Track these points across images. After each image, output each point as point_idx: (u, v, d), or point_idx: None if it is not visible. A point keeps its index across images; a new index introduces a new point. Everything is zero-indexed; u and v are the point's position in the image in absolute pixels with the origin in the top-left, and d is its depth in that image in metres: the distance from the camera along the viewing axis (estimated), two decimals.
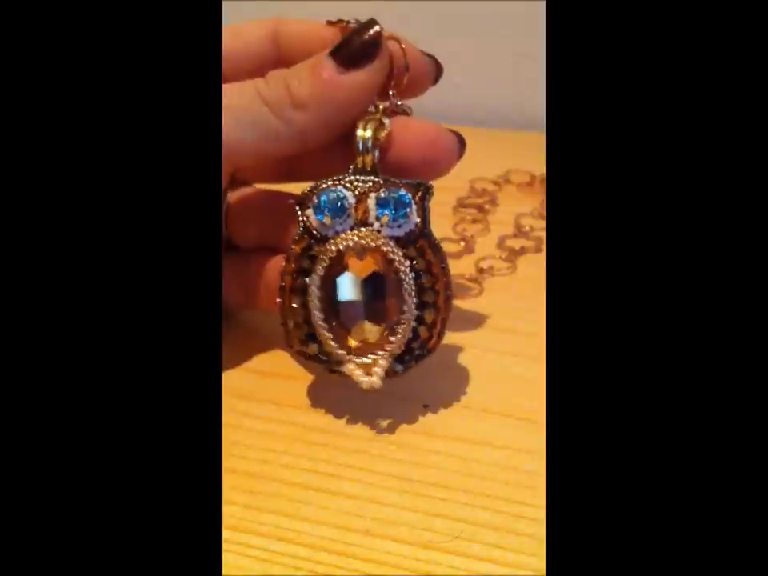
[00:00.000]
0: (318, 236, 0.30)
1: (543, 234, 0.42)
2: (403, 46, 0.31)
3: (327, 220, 0.30)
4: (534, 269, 0.40)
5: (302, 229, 0.30)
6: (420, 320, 0.30)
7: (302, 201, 0.30)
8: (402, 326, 0.29)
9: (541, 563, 0.26)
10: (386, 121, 0.31)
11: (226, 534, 0.27)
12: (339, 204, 0.29)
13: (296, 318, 0.31)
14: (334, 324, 0.30)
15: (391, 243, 0.29)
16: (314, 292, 0.30)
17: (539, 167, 0.46)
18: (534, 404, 0.31)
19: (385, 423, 0.31)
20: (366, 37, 0.30)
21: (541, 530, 0.26)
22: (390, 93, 0.32)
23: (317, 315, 0.30)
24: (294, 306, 0.30)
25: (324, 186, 0.30)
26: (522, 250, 0.42)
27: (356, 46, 0.30)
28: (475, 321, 0.36)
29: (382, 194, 0.29)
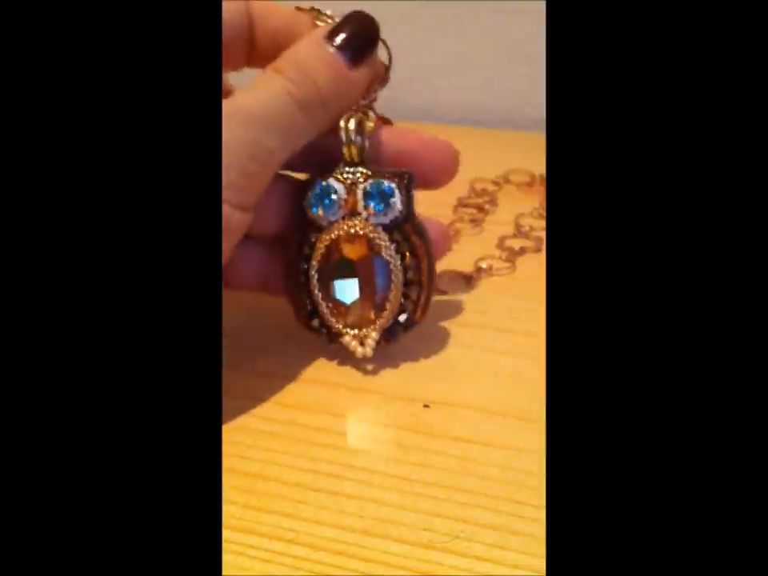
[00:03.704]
0: (315, 225, 0.33)
1: (543, 234, 0.42)
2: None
3: (320, 212, 0.32)
4: (534, 269, 0.40)
5: (300, 219, 0.33)
6: (406, 296, 0.33)
7: (298, 194, 0.33)
8: (390, 303, 0.33)
9: (541, 563, 0.26)
10: (371, 113, 0.32)
11: (225, 533, 0.27)
12: (330, 198, 0.32)
13: (301, 297, 0.34)
14: (331, 304, 0.33)
15: (378, 230, 0.32)
16: (314, 276, 0.33)
17: (539, 167, 0.46)
18: (534, 404, 0.31)
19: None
20: (369, 30, 0.30)
21: (541, 530, 0.26)
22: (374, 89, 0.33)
23: (317, 295, 0.33)
24: (299, 286, 0.34)
25: (318, 179, 0.33)
26: (522, 250, 0.42)
27: (362, 40, 0.30)
28: (474, 321, 0.36)
29: (369, 188, 0.32)
